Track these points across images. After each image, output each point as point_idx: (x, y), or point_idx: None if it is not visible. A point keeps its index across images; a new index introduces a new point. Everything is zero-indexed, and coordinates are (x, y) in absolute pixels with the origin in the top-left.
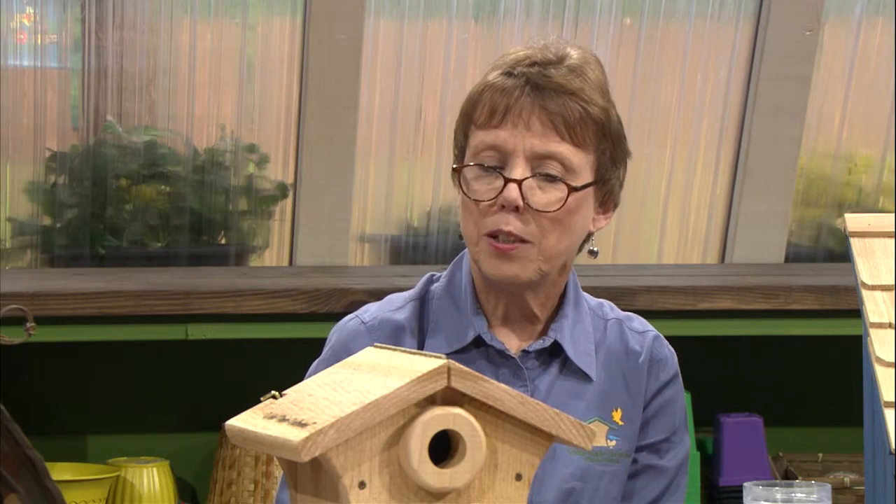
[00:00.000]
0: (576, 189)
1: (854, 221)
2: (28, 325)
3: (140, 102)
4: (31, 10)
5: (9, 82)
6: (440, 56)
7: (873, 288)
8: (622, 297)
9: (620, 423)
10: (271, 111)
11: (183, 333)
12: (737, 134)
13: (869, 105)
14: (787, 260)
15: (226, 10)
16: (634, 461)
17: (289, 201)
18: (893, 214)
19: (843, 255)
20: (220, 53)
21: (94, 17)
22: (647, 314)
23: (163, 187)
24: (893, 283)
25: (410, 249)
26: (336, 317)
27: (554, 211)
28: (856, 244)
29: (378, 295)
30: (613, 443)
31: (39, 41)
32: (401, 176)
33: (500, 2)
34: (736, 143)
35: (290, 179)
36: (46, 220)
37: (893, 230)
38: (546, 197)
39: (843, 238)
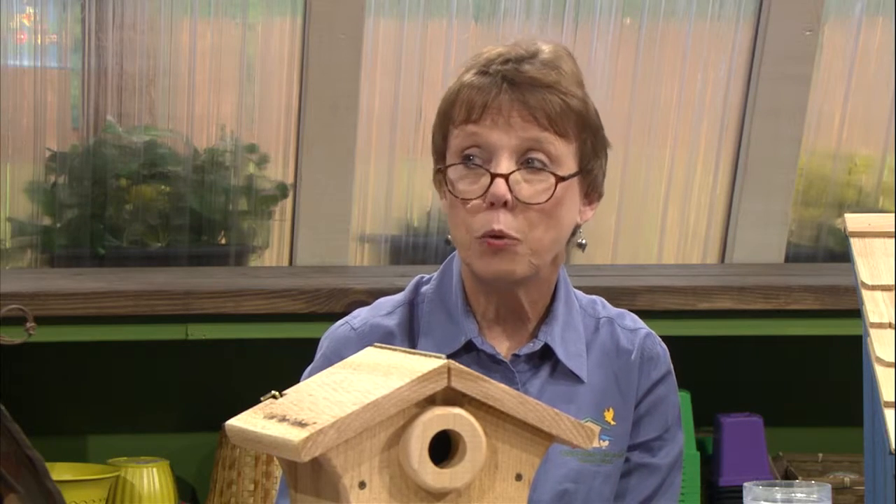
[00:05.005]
0: (562, 178)
1: (854, 221)
2: (28, 325)
3: (140, 102)
4: (31, 10)
5: (9, 82)
6: (440, 56)
7: (873, 288)
8: (622, 297)
9: (612, 423)
10: (271, 111)
11: (183, 333)
12: (737, 134)
13: (869, 105)
14: (787, 260)
15: (226, 10)
16: (627, 460)
17: (289, 201)
18: (893, 214)
19: (843, 255)
20: (220, 53)
21: (94, 17)
22: (647, 314)
23: (163, 187)
24: (893, 283)
25: (410, 249)
26: (336, 317)
27: (543, 202)
28: (856, 244)
29: (378, 295)
30: (606, 443)
31: (39, 41)
32: (401, 176)
33: (500, 2)
34: (736, 143)
35: (290, 179)
36: (46, 220)
37: (893, 230)
38: (533, 188)
39: (843, 238)
